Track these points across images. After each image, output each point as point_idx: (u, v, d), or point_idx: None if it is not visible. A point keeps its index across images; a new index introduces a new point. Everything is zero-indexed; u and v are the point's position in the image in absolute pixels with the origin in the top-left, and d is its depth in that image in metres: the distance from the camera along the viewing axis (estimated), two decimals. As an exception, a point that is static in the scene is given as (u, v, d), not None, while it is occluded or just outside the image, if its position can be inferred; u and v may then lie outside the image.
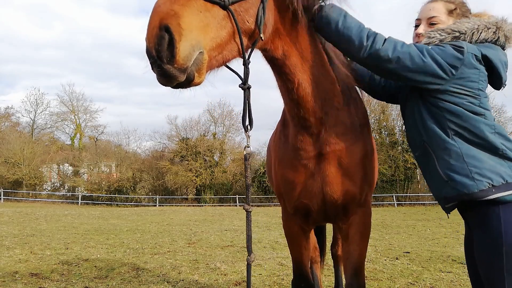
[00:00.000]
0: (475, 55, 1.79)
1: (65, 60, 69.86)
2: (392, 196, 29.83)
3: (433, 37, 1.91)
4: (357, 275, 2.08)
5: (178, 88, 1.31)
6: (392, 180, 32.42)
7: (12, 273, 5.40)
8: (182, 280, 5.11)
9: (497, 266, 1.74)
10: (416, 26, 2.11)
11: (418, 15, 2.12)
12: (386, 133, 33.42)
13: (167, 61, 1.18)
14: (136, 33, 78.35)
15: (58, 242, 8.47)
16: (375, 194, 30.28)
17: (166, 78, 1.22)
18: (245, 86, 1.55)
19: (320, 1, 1.78)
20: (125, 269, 5.80)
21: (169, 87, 1.31)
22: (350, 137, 1.99)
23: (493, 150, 1.78)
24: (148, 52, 1.20)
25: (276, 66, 1.79)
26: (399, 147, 32.70)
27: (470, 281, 2.15)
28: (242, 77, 1.54)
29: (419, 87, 1.87)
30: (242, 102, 1.58)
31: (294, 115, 1.93)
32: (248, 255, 1.62)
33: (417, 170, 32.50)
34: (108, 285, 4.87)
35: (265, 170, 30.66)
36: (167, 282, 5.02)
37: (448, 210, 2.00)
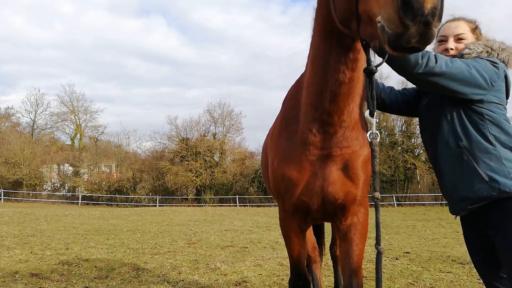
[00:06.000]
0: (504, 70, 2.11)
1: (65, 60, 70.14)
2: (392, 196, 29.82)
3: (472, 49, 2.16)
4: (356, 275, 2.09)
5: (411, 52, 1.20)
6: (392, 180, 32.44)
7: (12, 273, 5.41)
8: (182, 280, 5.12)
9: None
10: (441, 41, 2.32)
11: (442, 32, 2.32)
12: (386, 133, 33.42)
13: (438, 19, 1.10)
14: (136, 33, 78.39)
15: (58, 242, 8.48)
16: (375, 194, 30.28)
17: (430, 37, 1.13)
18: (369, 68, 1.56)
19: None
20: (125, 269, 5.81)
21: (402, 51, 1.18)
22: (360, 141, 2.00)
23: None
24: (422, 10, 1.06)
25: (351, 51, 1.66)
26: (399, 147, 32.71)
27: (481, 277, 2.29)
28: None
29: (462, 98, 2.05)
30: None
31: (318, 108, 1.86)
32: (378, 244, 1.66)
33: (417, 171, 32.54)
34: (108, 285, 4.88)
35: (265, 170, 30.58)
36: (167, 282, 5.03)
37: (465, 211, 2.15)
